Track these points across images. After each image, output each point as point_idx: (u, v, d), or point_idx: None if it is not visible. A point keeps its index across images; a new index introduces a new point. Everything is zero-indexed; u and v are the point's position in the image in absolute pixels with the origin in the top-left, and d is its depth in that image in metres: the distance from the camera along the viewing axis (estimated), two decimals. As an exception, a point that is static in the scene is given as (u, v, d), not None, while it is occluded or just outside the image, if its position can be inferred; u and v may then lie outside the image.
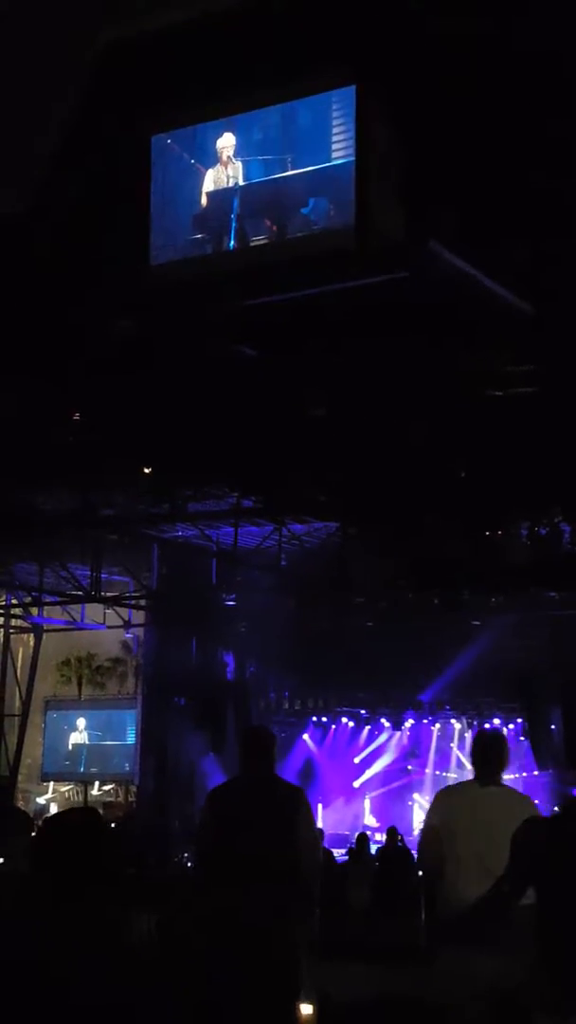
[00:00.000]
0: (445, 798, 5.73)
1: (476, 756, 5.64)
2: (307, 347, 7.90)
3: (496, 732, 6.44)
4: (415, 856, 12.88)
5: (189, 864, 15.30)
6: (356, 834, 16.19)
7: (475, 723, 19.75)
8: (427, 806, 20.08)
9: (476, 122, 5.15)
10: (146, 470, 12.14)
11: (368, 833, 18.34)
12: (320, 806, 19.87)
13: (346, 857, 14.03)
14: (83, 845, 2.46)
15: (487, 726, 19.60)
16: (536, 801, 5.73)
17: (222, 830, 5.79)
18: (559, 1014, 1.14)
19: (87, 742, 19.43)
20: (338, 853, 14.97)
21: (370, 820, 20.57)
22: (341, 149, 4.67)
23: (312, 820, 5.93)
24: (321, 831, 6.94)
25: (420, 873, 6.06)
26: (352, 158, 4.64)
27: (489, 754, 5.57)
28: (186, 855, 16.11)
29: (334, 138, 4.68)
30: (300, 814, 5.74)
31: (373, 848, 14.80)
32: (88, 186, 5.61)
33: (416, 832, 19.34)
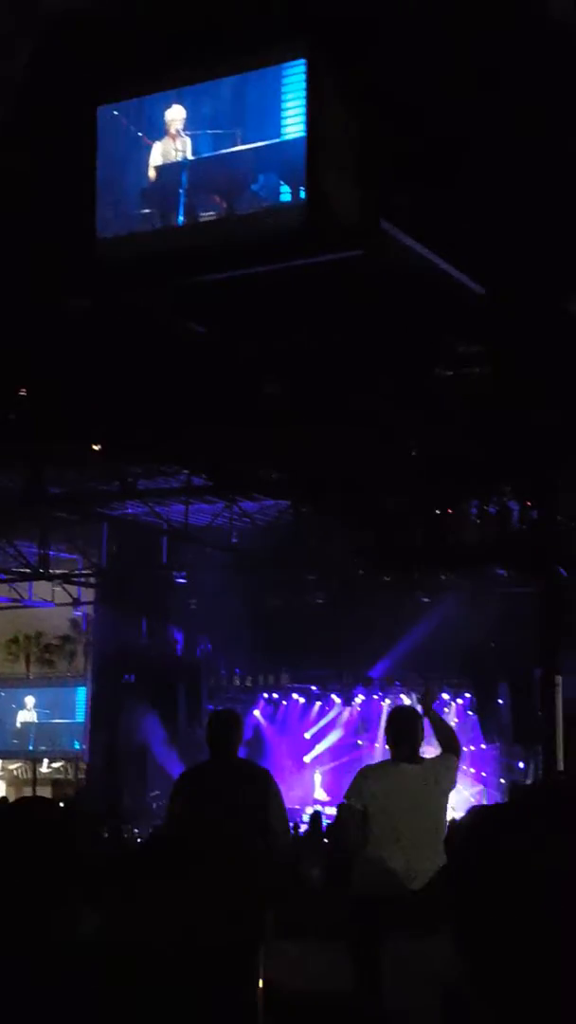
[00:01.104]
0: (366, 780, 5.76)
1: (390, 735, 5.67)
2: (258, 325, 7.84)
3: (409, 709, 6.48)
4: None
5: (139, 840, 15.30)
6: (309, 813, 16.28)
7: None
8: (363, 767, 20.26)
9: (432, 101, 5.09)
10: (95, 447, 12.02)
11: (319, 808, 18.47)
12: (267, 770, 19.92)
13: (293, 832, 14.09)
14: (55, 846, 2.40)
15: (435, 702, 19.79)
16: (478, 786, 5.78)
17: (192, 816, 5.76)
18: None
19: (36, 720, 19.32)
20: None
21: (320, 794, 20.71)
22: (292, 125, 4.59)
23: (282, 803, 5.93)
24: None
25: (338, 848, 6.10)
26: (303, 134, 4.57)
27: (402, 732, 5.60)
28: (136, 831, 16.11)
29: (285, 114, 4.61)
30: (270, 797, 5.74)
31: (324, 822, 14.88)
32: (32, 157, 5.50)
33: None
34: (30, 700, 19.41)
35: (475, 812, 4.18)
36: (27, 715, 19.36)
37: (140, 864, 2.09)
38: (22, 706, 19.31)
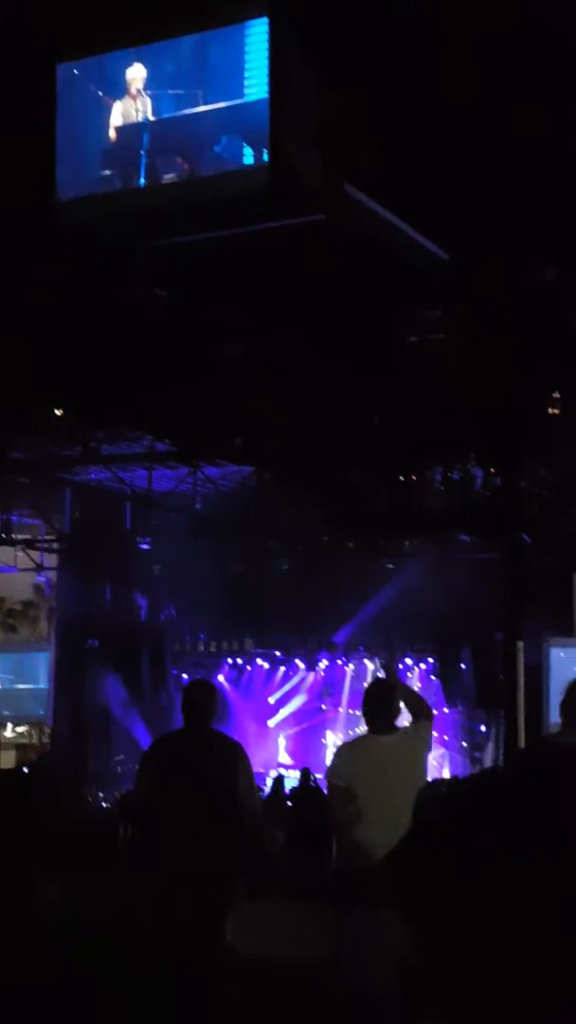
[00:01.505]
0: (343, 754, 5.78)
1: (366, 709, 5.69)
2: (220, 289, 7.79)
3: (384, 682, 6.56)
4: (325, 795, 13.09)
5: (104, 804, 15.35)
6: (273, 776, 16.38)
7: (387, 664, 20.06)
8: (340, 744, 20.42)
9: (396, 64, 5.05)
10: (57, 412, 11.93)
11: (283, 771, 18.58)
12: (239, 742, 20.01)
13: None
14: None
15: (399, 666, 19.92)
16: (440, 749, 5.84)
17: (160, 786, 5.78)
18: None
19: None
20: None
21: (284, 758, 20.84)
22: (254, 86, 4.55)
23: (251, 775, 5.95)
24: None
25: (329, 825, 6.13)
26: (266, 95, 4.53)
27: (378, 706, 5.62)
28: (101, 794, 16.16)
29: (247, 74, 4.56)
30: (240, 769, 5.75)
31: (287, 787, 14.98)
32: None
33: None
34: (-7, 666, 19.35)
35: (427, 796, 4.18)
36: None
37: (105, 838, 2.09)
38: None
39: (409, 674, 19.91)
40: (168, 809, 5.63)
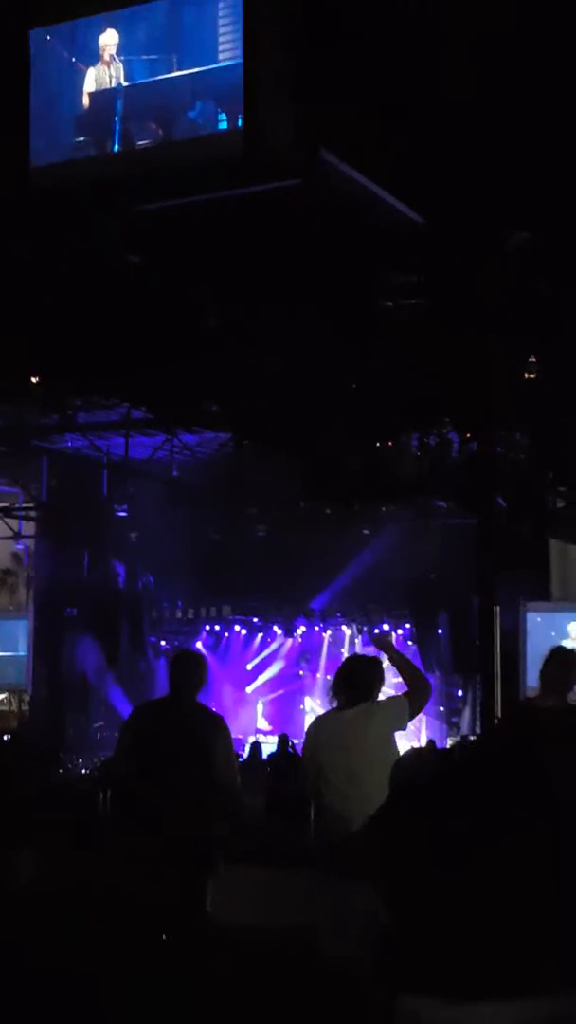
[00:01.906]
0: (311, 729, 5.79)
1: (333, 683, 5.66)
2: (195, 255, 7.76)
3: (356, 658, 6.43)
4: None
5: (84, 771, 15.42)
6: (251, 742, 16.46)
7: (365, 629, 20.16)
8: (318, 710, 20.55)
9: (371, 26, 5.04)
10: (33, 380, 11.88)
11: (261, 737, 18.68)
12: (220, 715, 20.11)
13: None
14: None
15: (376, 631, 20.03)
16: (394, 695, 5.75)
17: (137, 755, 5.79)
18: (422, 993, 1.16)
19: None
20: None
21: (262, 724, 20.94)
22: (228, 51, 4.52)
23: (230, 748, 5.94)
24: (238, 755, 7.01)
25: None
26: (240, 60, 4.51)
27: (344, 680, 5.59)
28: (81, 761, 16.23)
29: (221, 38, 4.53)
30: (218, 742, 5.75)
31: (264, 753, 15.07)
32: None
33: (307, 736, 19.78)
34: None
35: (405, 767, 4.17)
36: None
37: (84, 807, 2.11)
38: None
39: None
40: (144, 779, 5.65)
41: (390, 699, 5.72)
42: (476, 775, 1.30)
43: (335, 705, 5.58)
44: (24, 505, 17.51)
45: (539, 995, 1.20)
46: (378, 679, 5.61)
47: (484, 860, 1.22)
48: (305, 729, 5.95)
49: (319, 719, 5.93)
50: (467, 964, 1.21)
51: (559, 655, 5.97)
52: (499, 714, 11.43)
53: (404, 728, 5.63)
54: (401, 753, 5.42)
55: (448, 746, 16.55)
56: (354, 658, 6.35)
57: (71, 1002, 1.75)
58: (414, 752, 3.70)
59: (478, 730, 14.99)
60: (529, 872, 1.20)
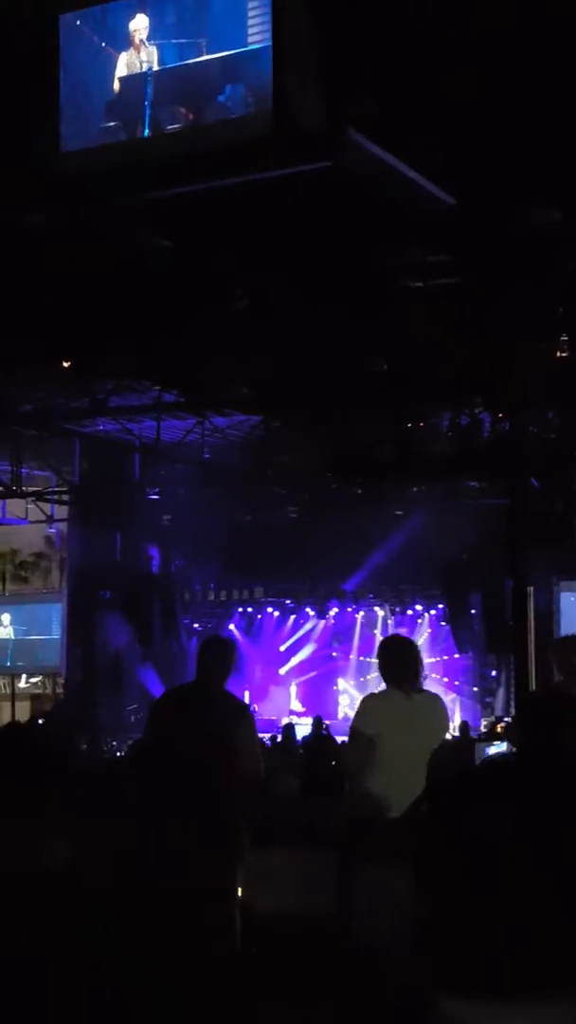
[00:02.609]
0: (372, 704, 5.74)
1: (391, 665, 5.63)
2: (226, 237, 7.77)
3: (403, 639, 6.43)
4: (339, 742, 13.24)
5: (118, 753, 15.53)
6: (282, 724, 16.52)
7: (397, 610, 20.16)
8: (351, 691, 20.54)
9: (400, 8, 5.02)
10: (65, 364, 11.93)
11: (294, 719, 18.74)
12: (247, 693, 20.22)
13: (269, 743, 14.33)
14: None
15: (409, 612, 20.03)
16: (450, 694, 5.85)
17: (159, 740, 5.81)
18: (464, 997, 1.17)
19: (12, 637, 19.43)
20: (264, 737, 15.28)
21: (296, 705, 20.99)
22: (257, 34, 4.52)
23: (253, 736, 5.95)
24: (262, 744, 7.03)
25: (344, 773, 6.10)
26: (269, 43, 4.50)
27: (407, 660, 5.59)
28: (115, 743, 16.34)
29: (250, 22, 4.53)
30: (242, 726, 5.77)
31: (298, 734, 15.13)
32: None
33: (341, 717, 19.82)
34: (6, 617, 19.50)
35: (439, 768, 4.15)
36: (4, 631, 19.47)
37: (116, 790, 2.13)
38: (-1, 623, 19.43)
39: (419, 620, 20.02)
40: (165, 764, 5.67)
41: (439, 699, 5.79)
42: (514, 775, 1.31)
43: (391, 687, 5.55)
44: (56, 489, 17.61)
45: None
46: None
47: (524, 861, 1.23)
48: (360, 702, 5.92)
49: (382, 696, 5.87)
50: (510, 963, 1.23)
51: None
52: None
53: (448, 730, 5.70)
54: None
55: (482, 731, 16.52)
56: (404, 640, 6.30)
57: (93, 987, 1.76)
58: (451, 744, 3.70)
59: (512, 711, 14.97)
60: (568, 872, 1.21)
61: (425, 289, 9.47)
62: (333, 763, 10.23)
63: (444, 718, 5.60)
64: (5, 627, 19.42)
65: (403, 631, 19.98)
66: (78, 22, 4.91)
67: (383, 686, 5.66)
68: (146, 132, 4.92)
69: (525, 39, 5.46)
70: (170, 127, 4.90)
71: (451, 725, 5.89)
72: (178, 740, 5.71)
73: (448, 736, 6.15)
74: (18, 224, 6.76)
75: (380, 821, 5.14)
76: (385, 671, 5.60)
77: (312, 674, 21.27)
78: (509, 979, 1.18)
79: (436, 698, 5.83)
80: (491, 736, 12.20)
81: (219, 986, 1.84)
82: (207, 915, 1.90)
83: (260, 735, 6.91)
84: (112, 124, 4.97)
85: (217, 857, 5.16)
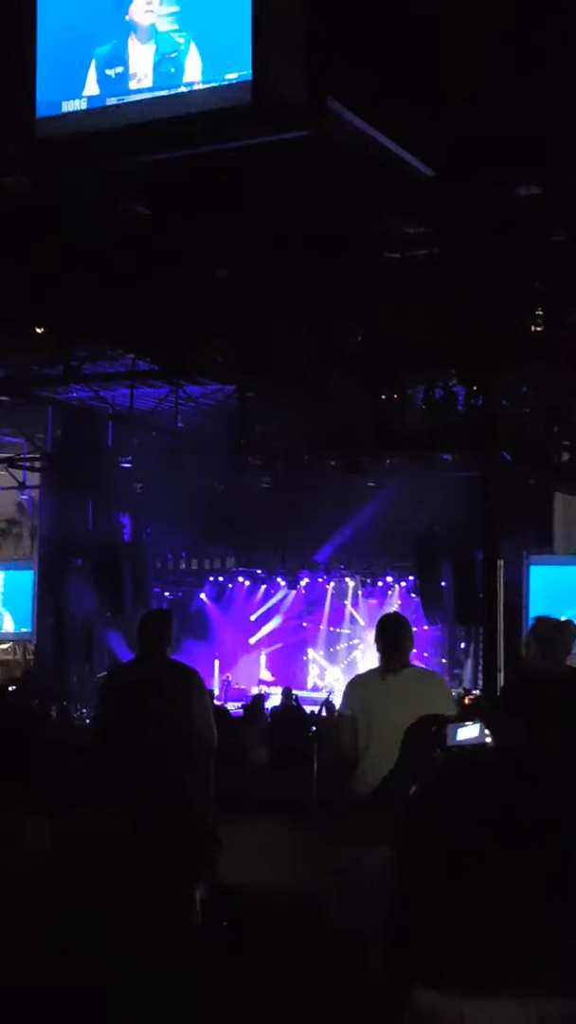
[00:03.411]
0: (356, 689, 5.74)
1: (381, 641, 5.62)
2: (203, 206, 7.70)
3: (398, 615, 6.43)
4: (307, 712, 13.29)
5: (88, 721, 15.55)
6: (253, 693, 16.57)
7: (368, 581, 20.24)
8: (321, 661, 20.56)
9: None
10: (38, 330, 11.84)
11: (263, 688, 18.82)
12: (217, 662, 20.27)
13: (241, 712, 14.38)
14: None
15: (379, 583, 20.11)
16: (445, 679, 5.82)
17: (116, 717, 5.79)
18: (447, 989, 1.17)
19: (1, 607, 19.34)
20: (234, 707, 15.33)
21: (265, 675, 21.09)
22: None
23: (205, 701, 5.95)
24: (220, 709, 7.03)
25: (336, 762, 6.06)
26: (248, 10, 4.45)
27: (396, 638, 5.58)
28: (84, 711, 16.36)
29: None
30: (193, 695, 5.76)
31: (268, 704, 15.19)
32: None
33: (310, 687, 19.92)
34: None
35: (412, 747, 4.09)
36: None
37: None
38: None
39: (390, 592, 20.11)
40: (125, 742, 5.64)
41: (435, 675, 5.77)
42: (493, 775, 1.31)
43: (383, 667, 5.53)
44: (29, 455, 17.52)
45: (559, 994, 1.22)
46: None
47: (503, 859, 1.24)
48: (343, 692, 5.90)
49: (364, 677, 5.86)
50: (485, 958, 1.24)
51: (547, 622, 5.82)
52: (501, 667, 11.50)
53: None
54: None
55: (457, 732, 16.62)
56: (396, 616, 6.28)
57: (67, 972, 1.75)
58: (424, 721, 3.68)
59: (480, 683, 15.07)
60: (548, 870, 1.22)
61: (402, 260, 9.44)
62: (302, 733, 10.28)
63: (438, 694, 5.51)
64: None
65: (373, 602, 20.08)
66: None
67: (356, 657, 5.71)
68: (125, 98, 4.86)
69: (509, 9, 5.43)
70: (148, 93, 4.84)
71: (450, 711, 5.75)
72: (133, 717, 5.68)
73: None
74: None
75: (356, 798, 5.14)
76: (376, 645, 5.64)
77: (282, 644, 21.36)
78: (479, 974, 1.19)
79: (429, 675, 5.81)
80: (462, 716, 12.25)
81: (183, 965, 1.85)
82: (165, 898, 1.90)
83: (231, 704, 6.96)
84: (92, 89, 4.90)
85: (175, 839, 5.14)
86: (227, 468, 17.57)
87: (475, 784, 1.31)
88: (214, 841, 1.85)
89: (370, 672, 5.78)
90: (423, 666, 5.91)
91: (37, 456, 17.47)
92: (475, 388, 12.99)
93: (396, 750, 4.63)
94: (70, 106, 4.92)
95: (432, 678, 5.82)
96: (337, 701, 8.50)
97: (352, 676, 6.58)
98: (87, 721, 15.37)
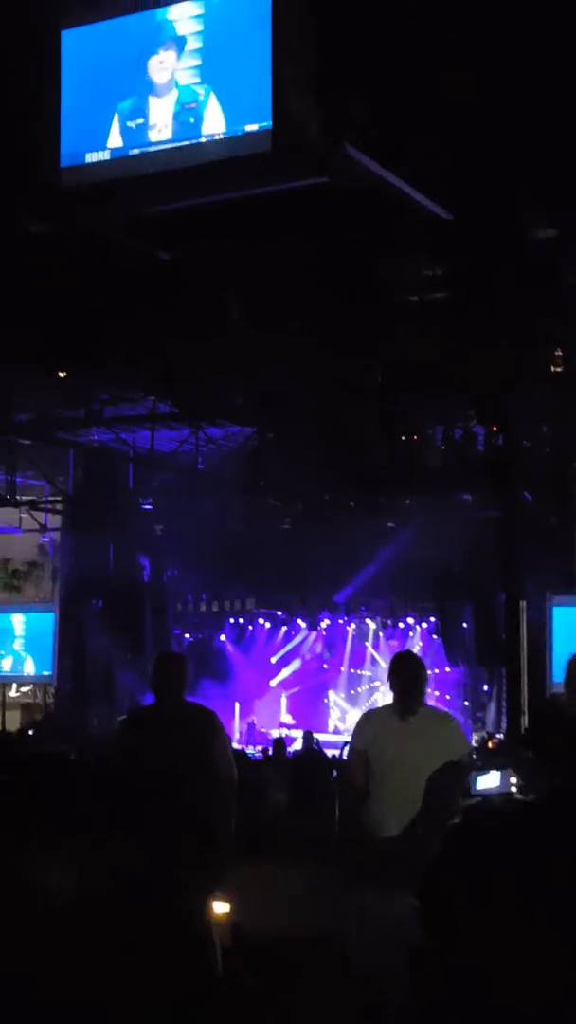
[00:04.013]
0: (368, 724, 5.70)
1: (399, 681, 5.58)
2: (223, 250, 7.78)
3: (413, 654, 6.39)
4: (328, 757, 13.21)
5: (106, 760, 15.47)
6: (274, 737, 16.47)
7: (389, 622, 20.13)
8: (342, 704, 20.42)
9: (392, 22, 5.04)
10: (61, 374, 11.94)
11: (284, 731, 18.69)
12: (237, 704, 20.17)
13: (261, 756, 14.30)
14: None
15: (400, 624, 20.01)
16: (459, 720, 5.73)
17: (135, 760, 5.77)
18: None
19: (24, 650, 19.30)
20: (254, 751, 15.25)
21: (286, 718, 20.94)
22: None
23: (227, 743, 5.93)
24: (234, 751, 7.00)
25: (343, 794, 6.03)
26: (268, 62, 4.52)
27: (414, 678, 5.53)
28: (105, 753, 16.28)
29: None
30: (213, 734, 5.75)
31: (289, 746, 15.09)
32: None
33: (331, 730, 19.79)
34: (20, 624, 19.25)
35: (438, 794, 4.05)
36: (19, 643, 19.23)
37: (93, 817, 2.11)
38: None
39: (411, 633, 20.00)
40: (142, 786, 5.61)
41: (457, 725, 5.72)
42: (522, 827, 1.30)
43: (398, 706, 5.49)
44: (51, 498, 17.59)
45: None
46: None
47: (533, 915, 1.23)
48: (354, 729, 5.87)
49: (377, 714, 5.83)
50: (506, 1005, 1.22)
51: None
52: (525, 709, 11.42)
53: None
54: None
55: (474, 745, 16.47)
56: (411, 657, 6.24)
57: (80, 1014, 1.73)
58: (450, 768, 3.62)
59: (503, 726, 14.96)
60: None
61: (420, 302, 9.49)
62: (323, 777, 10.20)
63: (452, 738, 5.46)
64: (19, 637, 19.19)
65: (394, 644, 19.96)
66: (79, 36, 4.91)
67: (377, 699, 5.68)
68: (147, 148, 4.93)
69: (523, 55, 5.48)
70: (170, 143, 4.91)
71: (465, 750, 5.70)
72: (154, 760, 5.66)
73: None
74: (20, 232, 6.77)
75: (375, 840, 5.09)
76: (390, 685, 5.60)
77: (302, 686, 21.23)
78: (505, 1020, 1.18)
79: (443, 716, 5.76)
80: (484, 754, 12.16)
81: (204, 1009, 1.83)
82: (185, 936, 1.88)
83: (251, 748, 6.92)
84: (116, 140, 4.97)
85: (194, 873, 5.11)
86: (247, 509, 17.59)
87: (503, 836, 1.30)
88: (227, 854, 1.84)
89: (384, 709, 5.73)
90: (436, 705, 5.85)
91: (59, 499, 17.55)
92: (495, 428, 13.00)
93: (409, 790, 4.59)
94: (94, 157, 5.00)
95: (446, 719, 5.77)
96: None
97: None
98: (106, 763, 15.31)
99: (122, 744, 6.12)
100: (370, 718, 5.81)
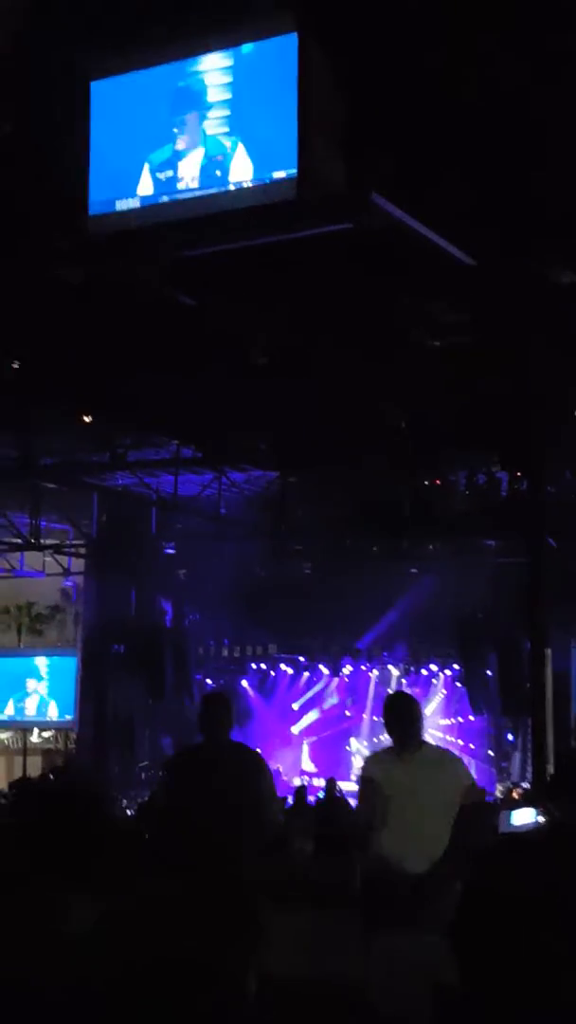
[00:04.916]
0: (373, 766, 5.75)
1: (390, 722, 5.62)
2: (247, 295, 7.85)
3: (403, 693, 6.49)
4: (352, 805, 13.09)
5: (128, 812, 15.39)
6: (296, 785, 16.35)
7: (412, 669, 20.01)
8: (364, 751, 20.30)
9: (415, 69, 5.10)
10: (86, 419, 12.03)
11: (306, 779, 18.56)
12: (258, 751, 20.04)
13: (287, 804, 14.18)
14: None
15: (423, 671, 19.89)
16: (464, 758, 5.80)
17: (179, 801, 5.78)
18: None
19: (47, 694, 19.29)
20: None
21: (308, 765, 20.79)
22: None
23: (272, 786, 5.95)
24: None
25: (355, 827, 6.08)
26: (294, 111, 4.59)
27: (409, 716, 5.57)
28: (125, 801, 16.20)
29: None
30: (259, 776, 5.76)
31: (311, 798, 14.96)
32: (23, 126, 5.49)
33: (354, 779, 19.64)
34: (44, 668, 19.23)
35: (465, 835, 4.05)
36: (42, 686, 19.22)
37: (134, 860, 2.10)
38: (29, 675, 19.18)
39: (434, 680, 19.87)
40: (187, 824, 5.62)
41: (458, 760, 5.74)
42: (556, 864, 1.29)
43: (394, 745, 5.54)
44: (74, 542, 17.65)
45: None
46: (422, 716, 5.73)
47: (564, 952, 1.21)
48: (363, 765, 5.93)
49: (382, 757, 5.88)
50: None
51: None
52: (550, 759, 11.30)
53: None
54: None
55: (498, 796, 16.31)
56: (398, 696, 6.33)
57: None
58: (475, 808, 3.63)
59: (529, 776, 14.81)
60: None
61: (443, 347, 9.53)
62: (346, 825, 10.12)
63: (455, 774, 5.52)
64: (42, 680, 19.18)
65: (417, 691, 19.83)
66: (108, 86, 5.00)
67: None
68: (175, 196, 4.99)
69: (547, 103, 5.54)
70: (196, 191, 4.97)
71: (468, 780, 5.75)
72: (198, 801, 5.67)
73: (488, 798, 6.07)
74: (47, 278, 6.85)
75: (389, 878, 5.08)
76: (385, 726, 5.67)
77: (325, 733, 21.09)
78: None
79: (444, 753, 5.80)
80: (511, 801, 12.01)
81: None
82: (217, 985, 1.86)
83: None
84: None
85: (231, 921, 5.06)
86: (270, 554, 17.60)
87: (537, 870, 1.29)
88: (260, 928, 1.82)
89: (387, 750, 5.78)
90: (433, 742, 5.89)
91: (82, 543, 17.60)
92: (518, 473, 12.99)
93: (416, 825, 4.58)
94: (123, 204, 5.06)
95: (448, 755, 5.81)
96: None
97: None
98: (127, 812, 15.23)
99: (167, 778, 6.16)
100: (377, 759, 5.90)
